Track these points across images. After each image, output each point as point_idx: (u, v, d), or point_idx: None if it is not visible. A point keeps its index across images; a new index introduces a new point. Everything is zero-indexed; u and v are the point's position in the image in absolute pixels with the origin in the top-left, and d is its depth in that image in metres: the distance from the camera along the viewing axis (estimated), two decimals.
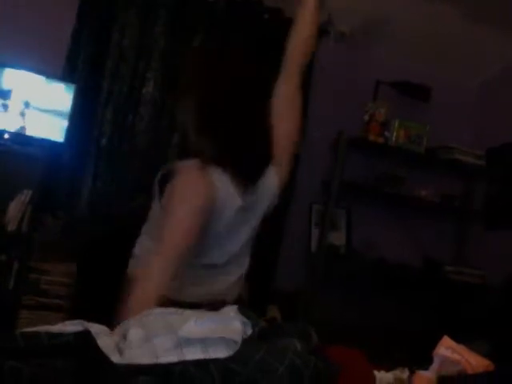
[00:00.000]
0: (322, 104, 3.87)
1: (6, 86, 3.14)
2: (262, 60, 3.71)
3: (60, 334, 1.22)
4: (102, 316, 1.47)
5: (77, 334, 1.23)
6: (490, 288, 3.75)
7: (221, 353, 1.17)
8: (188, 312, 1.37)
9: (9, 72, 3.15)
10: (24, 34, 3.33)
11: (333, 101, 3.92)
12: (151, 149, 3.52)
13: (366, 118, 3.80)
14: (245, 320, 1.30)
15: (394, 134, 3.84)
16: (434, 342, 1.59)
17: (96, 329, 1.26)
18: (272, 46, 3.76)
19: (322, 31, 3.84)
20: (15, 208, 2.88)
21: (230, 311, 1.33)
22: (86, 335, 1.23)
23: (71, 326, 1.26)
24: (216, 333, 1.20)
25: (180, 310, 1.38)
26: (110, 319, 1.49)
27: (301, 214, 3.94)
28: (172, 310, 1.38)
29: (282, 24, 3.74)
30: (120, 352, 1.19)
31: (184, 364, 1.15)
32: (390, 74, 3.91)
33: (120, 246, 2.43)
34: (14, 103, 3.14)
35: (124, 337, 1.26)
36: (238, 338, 1.21)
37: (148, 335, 1.22)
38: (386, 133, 3.84)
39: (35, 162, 2.99)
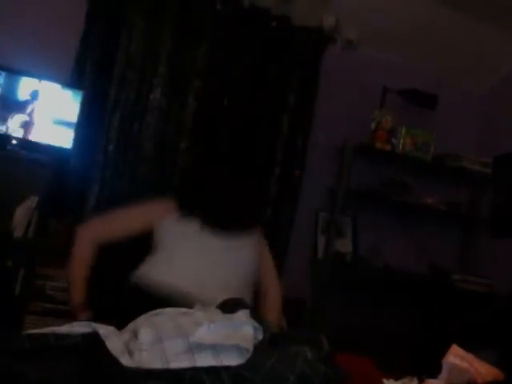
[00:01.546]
0: (329, 111, 3.87)
1: (13, 93, 3.15)
2: (270, 67, 3.76)
3: (67, 335, 1.21)
4: (107, 321, 1.47)
5: (85, 336, 1.23)
6: (497, 296, 3.73)
7: (232, 360, 1.17)
8: (198, 314, 1.36)
9: (17, 79, 3.16)
10: (32, 42, 3.34)
11: (339, 108, 3.92)
12: (158, 156, 3.52)
13: (373, 125, 3.80)
14: (256, 325, 1.30)
15: (401, 141, 3.83)
16: (440, 350, 1.58)
17: (104, 330, 1.25)
18: (279, 54, 3.78)
19: (329, 38, 3.85)
20: (22, 214, 2.88)
21: (242, 316, 1.33)
22: (95, 337, 1.22)
23: (79, 327, 1.26)
24: (228, 339, 1.20)
25: (190, 311, 1.38)
26: (116, 324, 1.49)
27: (307, 221, 3.93)
28: (182, 309, 1.38)
29: (290, 31, 3.76)
30: (130, 353, 1.19)
31: (195, 370, 1.15)
32: (396, 81, 3.90)
33: (126, 252, 2.44)
34: (22, 109, 3.15)
35: (135, 335, 1.25)
36: (250, 346, 1.20)
37: (158, 337, 1.21)
38: (393, 140, 3.83)
39: (42, 169, 2.99)
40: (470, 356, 1.44)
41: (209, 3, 3.63)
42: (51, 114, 3.21)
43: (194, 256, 2.22)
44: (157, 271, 2.18)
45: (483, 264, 4.06)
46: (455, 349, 1.46)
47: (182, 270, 2.16)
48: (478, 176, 4.04)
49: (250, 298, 2.28)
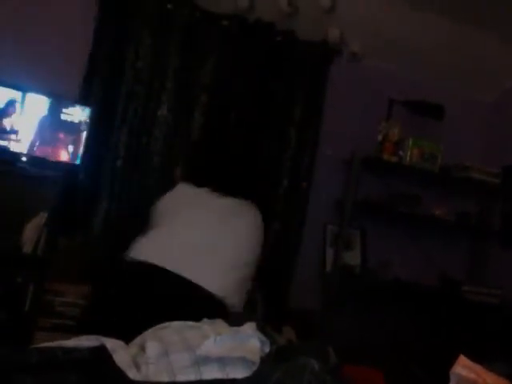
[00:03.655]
0: (335, 124, 3.88)
1: (22, 109, 3.17)
2: (276, 81, 3.78)
3: (75, 349, 1.22)
4: (116, 337, 1.47)
5: (92, 349, 1.23)
6: (507, 307, 3.71)
7: (239, 373, 1.17)
8: (205, 327, 1.36)
9: (26, 95, 3.18)
10: (41, 59, 3.37)
11: (346, 120, 3.93)
12: (166, 170, 3.53)
13: (380, 137, 3.80)
14: (263, 338, 1.30)
15: (408, 152, 3.83)
16: (450, 362, 1.57)
17: (112, 344, 1.26)
18: (285, 68, 3.80)
19: (335, 51, 3.87)
20: (31, 230, 2.89)
21: (249, 328, 1.33)
22: (102, 350, 1.22)
23: (87, 341, 1.27)
24: (234, 352, 1.20)
25: (197, 324, 1.38)
26: (124, 339, 1.50)
27: (315, 234, 3.93)
28: (189, 323, 1.38)
29: (295, 45, 3.79)
30: (137, 367, 1.19)
31: (201, 383, 1.15)
32: (403, 92, 3.91)
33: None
34: (31, 126, 3.18)
35: (142, 349, 1.26)
36: (256, 358, 1.20)
37: (165, 350, 1.22)
38: (400, 152, 3.83)
39: (51, 185, 3.01)
40: (477, 367, 1.43)
41: (214, 19, 3.66)
42: (60, 129, 3.23)
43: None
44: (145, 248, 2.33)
45: (493, 274, 4.04)
46: (462, 360, 1.45)
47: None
48: (486, 186, 4.02)
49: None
